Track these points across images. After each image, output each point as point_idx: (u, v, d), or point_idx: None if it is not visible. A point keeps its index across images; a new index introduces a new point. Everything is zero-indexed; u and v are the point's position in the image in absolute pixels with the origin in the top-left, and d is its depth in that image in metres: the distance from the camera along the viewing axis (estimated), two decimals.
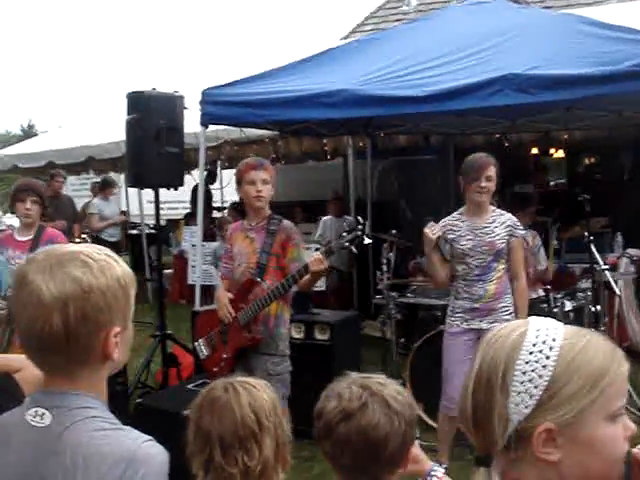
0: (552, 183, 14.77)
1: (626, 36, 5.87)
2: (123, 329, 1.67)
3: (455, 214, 5.25)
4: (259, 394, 2.18)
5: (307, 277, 4.63)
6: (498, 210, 5.20)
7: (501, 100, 5.77)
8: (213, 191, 13.85)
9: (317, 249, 4.77)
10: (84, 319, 1.57)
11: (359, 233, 4.54)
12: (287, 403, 4.91)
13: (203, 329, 5.14)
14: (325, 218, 10.75)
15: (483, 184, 5.02)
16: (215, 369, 4.98)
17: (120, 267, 1.67)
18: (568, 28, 6.45)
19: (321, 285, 9.79)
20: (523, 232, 5.27)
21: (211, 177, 12.90)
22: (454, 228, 5.18)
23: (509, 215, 5.19)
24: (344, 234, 4.59)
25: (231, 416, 2.12)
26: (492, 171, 5.06)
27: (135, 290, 1.73)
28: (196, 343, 5.19)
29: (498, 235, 5.08)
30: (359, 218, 4.67)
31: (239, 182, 4.90)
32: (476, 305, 5.11)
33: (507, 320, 5.01)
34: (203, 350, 5.08)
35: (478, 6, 7.51)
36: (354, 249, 4.63)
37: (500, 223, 5.11)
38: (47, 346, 1.58)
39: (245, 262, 4.90)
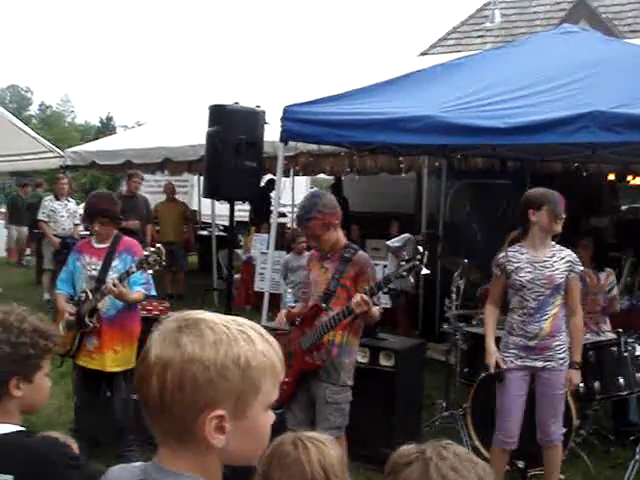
0: (624, 207, 14.53)
1: None
2: (236, 417, 1.52)
3: (515, 246, 5.20)
4: (328, 451, 2.18)
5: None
6: (558, 245, 5.14)
7: (585, 137, 5.69)
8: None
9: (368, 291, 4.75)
10: (180, 390, 1.48)
11: (417, 263, 4.58)
12: (344, 433, 4.93)
13: None
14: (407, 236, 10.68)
15: (564, 215, 5.04)
16: None
17: (250, 347, 1.54)
18: None
19: (387, 303, 9.80)
20: (582, 268, 5.20)
21: (272, 184, 12.96)
22: (513, 259, 5.12)
23: (569, 251, 5.13)
24: (402, 263, 4.64)
25: (301, 472, 2.13)
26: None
27: (273, 379, 1.60)
28: None
29: (558, 270, 5.01)
30: (419, 248, 4.69)
31: None
32: (531, 344, 5.05)
33: (562, 358, 5.04)
34: None
35: (567, 36, 7.40)
36: (412, 279, 4.65)
37: (560, 258, 5.05)
38: (148, 408, 1.53)
39: (317, 290, 4.95)
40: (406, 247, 10.06)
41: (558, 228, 5.05)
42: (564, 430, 5.26)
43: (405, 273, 4.59)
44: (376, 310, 4.82)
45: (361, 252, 4.98)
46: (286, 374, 5.17)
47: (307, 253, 5.43)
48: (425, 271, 4.70)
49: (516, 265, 5.10)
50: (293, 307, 5.30)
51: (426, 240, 10.05)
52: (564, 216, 5.05)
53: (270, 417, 1.61)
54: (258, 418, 1.57)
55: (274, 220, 7.49)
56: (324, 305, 4.85)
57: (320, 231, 4.83)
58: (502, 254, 5.21)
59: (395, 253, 9.29)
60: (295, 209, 14.36)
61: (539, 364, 5.04)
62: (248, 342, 1.54)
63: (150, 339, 1.55)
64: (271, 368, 1.58)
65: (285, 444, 2.20)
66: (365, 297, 4.56)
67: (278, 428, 2.39)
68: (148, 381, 1.50)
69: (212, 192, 6.87)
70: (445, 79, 6.90)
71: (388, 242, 9.99)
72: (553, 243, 5.14)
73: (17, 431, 2.39)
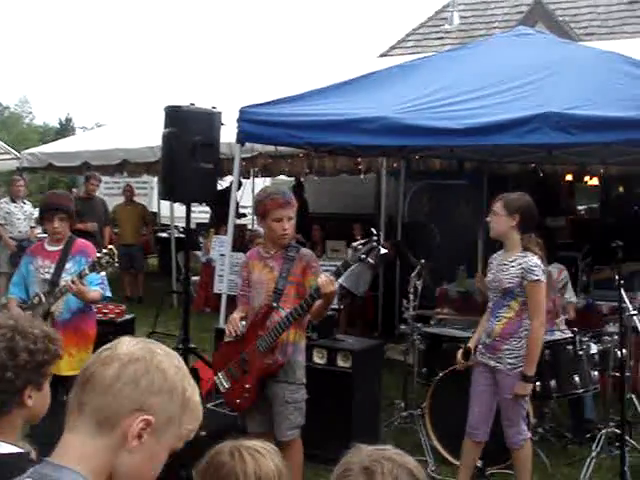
0: (581, 207, 14.71)
1: None
2: (155, 435, 1.66)
3: (502, 250, 5.29)
4: (265, 462, 2.13)
5: (319, 302, 4.66)
6: (528, 252, 5.08)
7: (538, 138, 5.75)
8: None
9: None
10: (135, 385, 1.62)
11: (374, 244, 4.54)
12: (300, 432, 4.93)
13: (222, 361, 5.12)
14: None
15: (488, 219, 5.15)
16: (238, 401, 4.96)
17: (193, 391, 1.73)
18: (611, 67, 6.39)
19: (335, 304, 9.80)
20: (537, 277, 5.05)
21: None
22: (493, 261, 5.27)
23: (530, 258, 5.03)
24: (359, 247, 4.58)
25: None
26: (496, 206, 5.09)
27: (190, 429, 1.73)
28: (215, 377, 5.15)
29: (509, 274, 5.04)
30: (373, 230, 4.68)
31: (263, 216, 4.88)
32: (487, 341, 5.16)
33: (511, 363, 5.05)
34: (224, 383, 5.04)
35: (522, 38, 7.46)
36: (371, 260, 4.61)
37: (518, 264, 5.04)
38: (88, 384, 1.66)
39: (265, 290, 4.89)
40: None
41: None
42: (525, 435, 5.23)
43: (364, 255, 4.54)
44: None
45: (304, 249, 5.00)
46: (245, 380, 5.11)
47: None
48: (384, 251, 4.70)
49: (491, 265, 5.26)
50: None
51: (393, 249, 10.03)
52: (488, 219, 5.15)
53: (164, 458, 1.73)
54: (163, 449, 1.70)
55: (231, 222, 7.46)
56: (275, 304, 4.84)
57: (294, 213, 4.86)
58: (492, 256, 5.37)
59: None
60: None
61: (492, 363, 5.12)
62: (193, 387, 1.74)
63: (120, 339, 1.72)
64: (196, 419, 1.75)
65: (222, 454, 2.15)
66: (330, 277, 4.54)
67: (239, 434, 2.36)
68: (107, 364, 1.64)
69: (167, 194, 6.83)
70: (401, 80, 6.93)
71: (355, 244, 9.96)
72: (522, 249, 5.09)
73: (18, 453, 2.29)
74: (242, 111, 6.80)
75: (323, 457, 5.69)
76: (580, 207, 15.11)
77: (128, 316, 6.65)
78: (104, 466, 1.64)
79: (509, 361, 5.07)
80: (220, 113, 6.70)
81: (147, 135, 10.89)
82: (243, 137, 6.89)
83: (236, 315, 5.03)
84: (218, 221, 13.29)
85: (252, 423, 4.95)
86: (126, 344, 1.69)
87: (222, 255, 11.42)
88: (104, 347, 1.72)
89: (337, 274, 4.64)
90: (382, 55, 17.26)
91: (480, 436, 5.23)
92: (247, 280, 5.06)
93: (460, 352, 5.36)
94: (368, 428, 6.14)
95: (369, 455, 1.91)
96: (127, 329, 7.16)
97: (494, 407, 5.22)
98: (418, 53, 14.17)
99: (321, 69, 11.84)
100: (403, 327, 6.94)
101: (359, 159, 10.28)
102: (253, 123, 6.74)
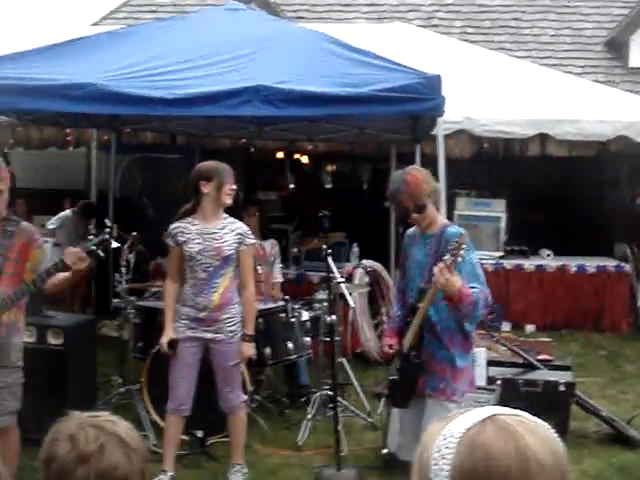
0: (292, 186, 15.24)
1: (370, 60, 6.16)
2: None
3: (189, 218, 5.25)
4: None
5: (63, 276, 4.40)
6: (230, 218, 5.27)
7: (248, 110, 5.83)
8: None
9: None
10: None
11: (107, 237, 4.41)
12: (17, 417, 4.66)
13: None
14: (64, 214, 10.17)
15: (234, 187, 5.16)
16: None
17: None
18: (318, 46, 6.60)
19: None
20: (253, 241, 5.38)
21: None
22: (185, 231, 5.19)
23: (241, 224, 5.29)
24: (90, 237, 4.43)
25: None
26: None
27: None
28: None
29: (227, 242, 5.14)
30: (107, 221, 4.57)
31: None
32: (200, 315, 5.15)
33: (232, 331, 5.17)
34: None
35: (234, 12, 7.45)
36: (101, 253, 4.46)
37: (230, 230, 5.18)
38: None
39: None
40: (63, 228, 9.66)
41: (228, 200, 5.17)
42: (244, 398, 5.45)
43: (94, 247, 4.36)
44: None
45: (24, 222, 4.68)
46: None
47: None
48: (115, 244, 4.58)
49: (187, 236, 5.15)
50: None
51: (81, 211, 9.63)
52: (234, 187, 5.18)
53: None
54: None
55: None
56: None
57: (5, 187, 4.42)
58: (174, 226, 5.23)
59: (52, 234, 9.04)
60: None
61: (209, 336, 5.16)
62: None
63: None
64: None
65: None
66: (82, 253, 4.27)
67: None
68: None
69: None
70: (111, 48, 6.64)
71: (47, 223, 9.62)
72: (226, 215, 5.24)
73: None
74: None
75: (40, 440, 5.41)
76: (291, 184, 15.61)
77: None
78: None
79: (230, 329, 5.17)
80: None
81: None
82: None
83: None
84: None
85: None
86: None
87: None
88: None
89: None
90: (94, 24, 16.67)
91: (188, 411, 5.28)
92: None
93: (165, 343, 5.19)
94: (85, 407, 5.85)
95: (78, 422, 1.84)
96: None
97: (196, 381, 5.27)
98: (130, 25, 13.83)
99: (28, 34, 11.16)
100: (116, 301, 6.79)
101: (68, 130, 9.85)
102: None
